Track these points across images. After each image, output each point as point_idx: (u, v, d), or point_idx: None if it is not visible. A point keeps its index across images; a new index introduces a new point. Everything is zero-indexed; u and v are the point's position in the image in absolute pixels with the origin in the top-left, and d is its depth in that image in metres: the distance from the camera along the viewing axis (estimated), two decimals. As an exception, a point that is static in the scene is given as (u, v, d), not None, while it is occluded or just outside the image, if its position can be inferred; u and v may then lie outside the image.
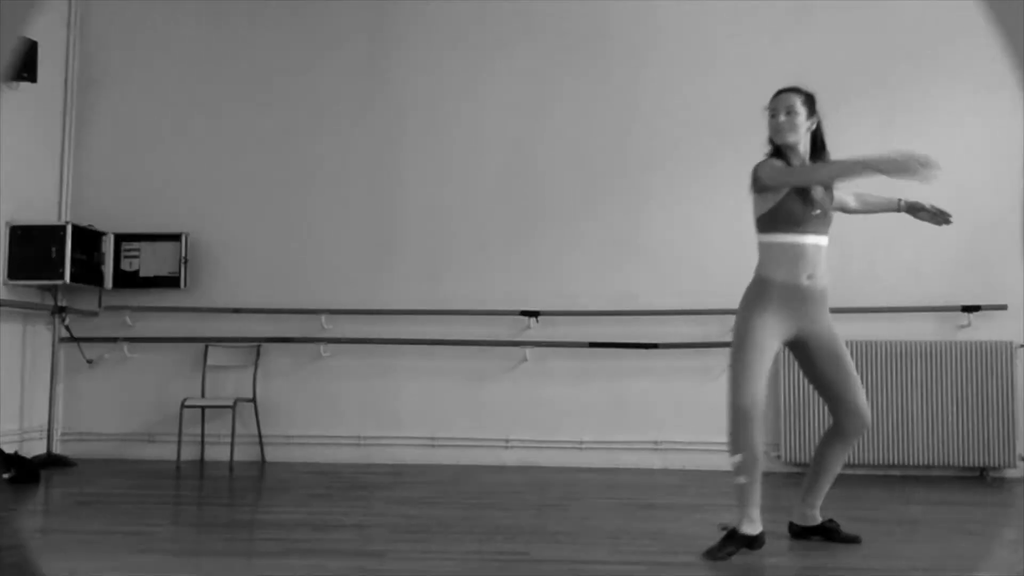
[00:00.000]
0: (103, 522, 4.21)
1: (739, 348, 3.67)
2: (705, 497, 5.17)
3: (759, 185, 3.70)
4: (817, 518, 3.91)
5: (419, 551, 3.67)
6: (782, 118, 3.73)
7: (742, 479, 3.59)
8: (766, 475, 5.98)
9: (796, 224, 3.66)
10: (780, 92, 3.83)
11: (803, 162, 3.75)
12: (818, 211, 3.68)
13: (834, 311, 6.02)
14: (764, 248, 3.80)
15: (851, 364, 3.81)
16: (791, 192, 3.64)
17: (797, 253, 3.68)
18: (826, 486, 3.90)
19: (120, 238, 6.55)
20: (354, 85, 6.68)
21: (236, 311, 6.48)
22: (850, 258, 6.23)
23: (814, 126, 3.79)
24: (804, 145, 3.76)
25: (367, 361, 6.43)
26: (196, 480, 5.74)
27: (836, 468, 3.86)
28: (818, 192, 3.70)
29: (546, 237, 6.45)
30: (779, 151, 3.74)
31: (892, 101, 6.29)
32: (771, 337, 3.67)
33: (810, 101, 3.80)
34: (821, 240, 3.72)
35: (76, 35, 6.73)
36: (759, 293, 3.76)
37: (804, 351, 3.80)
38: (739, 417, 3.58)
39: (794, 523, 3.95)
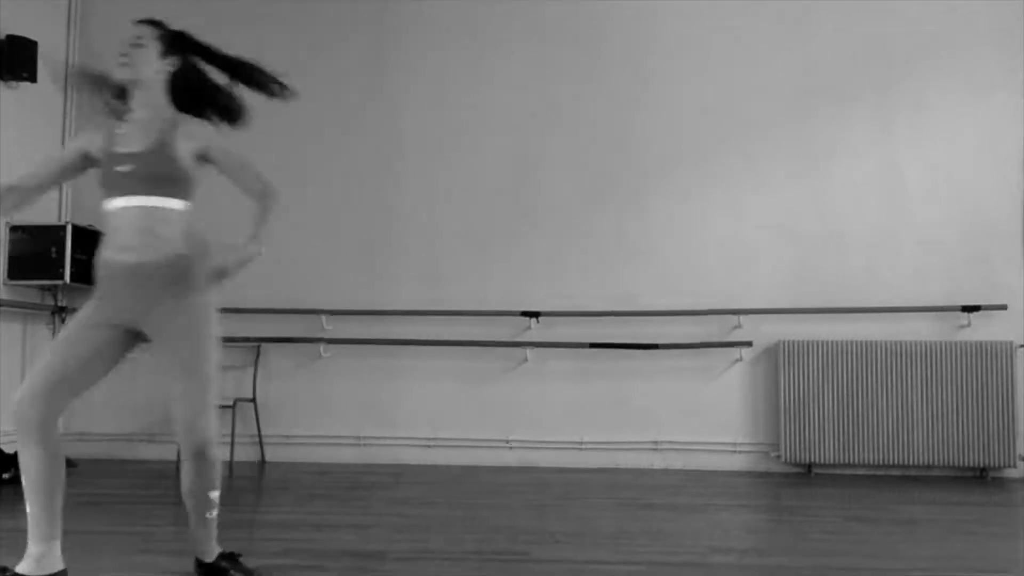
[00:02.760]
0: (104, 522, 4.22)
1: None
2: (705, 497, 5.17)
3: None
4: (214, 551, 3.18)
5: (419, 551, 3.67)
6: (125, 49, 3.05)
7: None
8: (767, 475, 6.04)
9: (108, 187, 2.94)
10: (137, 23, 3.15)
11: (154, 108, 3.03)
12: (125, 167, 2.91)
13: (834, 312, 6.13)
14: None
15: (203, 367, 2.92)
16: (103, 148, 2.97)
17: (111, 222, 2.94)
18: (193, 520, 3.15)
19: (120, 238, 6.54)
20: (354, 85, 6.68)
21: (236, 311, 6.48)
22: (850, 259, 6.25)
23: (170, 71, 3.10)
24: (161, 93, 3.07)
25: (367, 361, 6.43)
26: (196, 480, 5.72)
27: (193, 501, 3.13)
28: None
29: (546, 237, 6.45)
30: (122, 91, 3.04)
31: (892, 103, 6.30)
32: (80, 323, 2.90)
33: (170, 40, 3.17)
34: (136, 201, 2.91)
35: (76, 34, 6.73)
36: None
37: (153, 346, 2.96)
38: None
39: (200, 560, 3.20)
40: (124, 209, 2.92)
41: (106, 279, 2.94)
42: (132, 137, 2.97)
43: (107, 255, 2.94)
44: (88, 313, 2.92)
